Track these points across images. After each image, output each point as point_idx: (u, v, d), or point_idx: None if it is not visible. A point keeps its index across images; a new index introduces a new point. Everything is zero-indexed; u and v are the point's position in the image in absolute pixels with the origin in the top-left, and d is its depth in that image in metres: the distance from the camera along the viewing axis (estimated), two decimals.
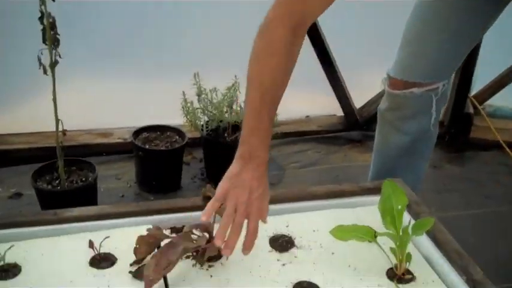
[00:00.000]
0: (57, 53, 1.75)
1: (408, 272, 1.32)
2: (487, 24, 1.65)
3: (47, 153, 2.12)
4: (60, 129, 1.86)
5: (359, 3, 2.82)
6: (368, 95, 3.15)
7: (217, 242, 1.24)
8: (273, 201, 1.51)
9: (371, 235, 1.29)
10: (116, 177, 2.48)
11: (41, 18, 1.70)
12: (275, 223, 1.46)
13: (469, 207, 2.45)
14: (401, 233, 1.28)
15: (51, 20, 1.72)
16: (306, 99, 3.11)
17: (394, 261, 1.32)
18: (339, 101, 3.04)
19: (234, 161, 1.33)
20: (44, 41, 1.74)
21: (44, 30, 1.73)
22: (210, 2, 2.55)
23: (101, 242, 1.32)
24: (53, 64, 1.76)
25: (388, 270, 1.33)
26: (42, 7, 1.68)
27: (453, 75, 1.79)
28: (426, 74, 1.70)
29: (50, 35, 1.73)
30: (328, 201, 1.57)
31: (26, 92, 2.52)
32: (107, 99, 2.64)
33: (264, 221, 1.32)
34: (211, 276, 1.29)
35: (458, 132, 3.04)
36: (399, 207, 1.31)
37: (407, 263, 1.31)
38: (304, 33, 1.33)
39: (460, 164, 2.87)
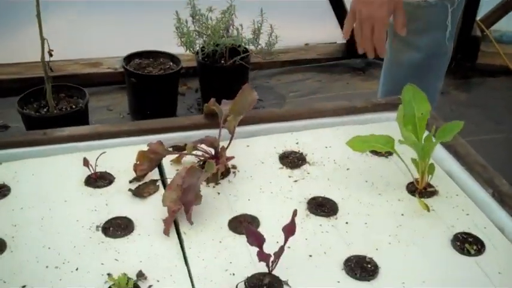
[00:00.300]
0: None
1: (430, 186, 1.24)
2: None
3: (35, 83, 2.00)
4: (46, 50, 1.73)
5: None
6: None
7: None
8: (280, 118, 1.44)
9: (391, 145, 1.20)
10: (108, 109, 2.38)
11: None
12: (284, 140, 1.37)
13: (480, 133, 2.37)
14: (423, 142, 1.18)
15: None
16: (305, 26, 3.00)
17: (415, 175, 1.23)
18: (340, 26, 2.91)
19: None
20: None
21: None
22: None
23: (97, 159, 1.22)
24: None
25: (408, 184, 1.25)
26: None
27: None
28: None
29: None
30: (339, 118, 1.47)
31: (10, 21, 2.38)
32: (96, 28, 2.51)
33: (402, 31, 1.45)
34: (218, 193, 1.20)
35: (464, 58, 2.93)
36: (421, 113, 1.21)
37: (430, 176, 1.22)
38: None
39: (467, 90, 2.78)
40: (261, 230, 1.02)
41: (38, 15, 1.65)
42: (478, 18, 3.01)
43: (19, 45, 2.41)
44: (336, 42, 3.05)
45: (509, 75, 2.83)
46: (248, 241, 0.96)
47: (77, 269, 1.00)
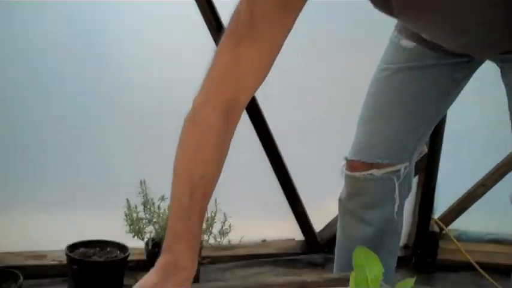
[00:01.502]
0: None
1: None
2: (445, 100, 1.64)
3: None
4: None
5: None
6: (327, 219, 3.11)
7: None
8: None
9: None
10: None
11: None
12: None
13: None
14: None
15: None
16: (262, 223, 3.02)
17: None
18: (299, 224, 2.95)
19: (152, 270, 1.08)
20: None
21: None
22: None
23: None
24: None
25: None
26: None
27: (415, 157, 1.72)
28: (384, 154, 1.65)
29: None
30: None
31: None
32: (44, 221, 2.49)
33: None
34: None
35: (424, 253, 2.94)
36: (374, 275, 1.17)
37: None
38: (238, 117, 1.18)
39: (431, 286, 2.73)
40: None
41: None
42: (436, 217, 3.09)
43: None
44: (294, 239, 3.05)
45: (472, 270, 2.82)
46: None
47: None
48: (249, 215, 2.81)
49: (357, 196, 1.70)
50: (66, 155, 2.45)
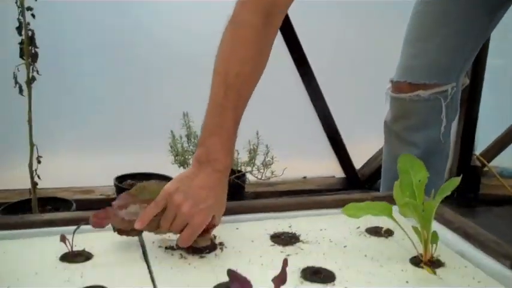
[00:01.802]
0: (35, 68, 1.67)
1: (436, 260, 1.16)
2: (493, 17, 1.61)
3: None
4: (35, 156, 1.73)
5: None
6: (367, 156, 3.12)
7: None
8: (277, 208, 1.41)
9: (389, 211, 1.15)
10: None
11: (18, 29, 1.63)
12: (274, 224, 1.33)
13: None
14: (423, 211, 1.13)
15: (30, 32, 1.66)
16: (303, 161, 3.04)
17: (420, 250, 1.16)
18: (339, 161, 2.97)
19: (192, 164, 1.18)
20: (21, 56, 1.67)
21: (21, 44, 1.66)
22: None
23: (74, 232, 1.16)
24: (30, 80, 1.68)
25: (411, 258, 1.18)
26: (21, 17, 1.62)
27: (462, 79, 1.70)
28: (431, 74, 1.63)
29: (28, 49, 1.66)
30: (337, 209, 1.41)
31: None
32: (89, 157, 2.55)
33: (207, 238, 1.16)
34: (202, 263, 1.13)
35: (467, 188, 2.92)
36: (419, 180, 1.18)
37: (434, 246, 1.15)
38: (278, 24, 1.19)
39: (473, 218, 2.73)
40: None
41: (30, 121, 1.68)
42: (477, 153, 3.07)
43: (9, 174, 2.42)
44: (334, 176, 3.06)
45: None
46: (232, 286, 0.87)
47: None
48: (290, 153, 2.83)
49: (403, 118, 1.69)
50: (111, 91, 2.50)
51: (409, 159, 1.21)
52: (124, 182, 2.23)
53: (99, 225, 1.17)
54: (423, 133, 1.69)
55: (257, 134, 2.31)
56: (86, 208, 2.37)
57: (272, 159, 2.26)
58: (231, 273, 0.88)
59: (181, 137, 2.18)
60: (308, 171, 3.07)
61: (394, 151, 1.74)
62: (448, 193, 1.12)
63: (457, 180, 1.13)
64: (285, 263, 0.90)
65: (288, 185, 2.88)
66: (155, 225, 1.16)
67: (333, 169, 3.10)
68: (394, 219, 1.14)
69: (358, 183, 2.94)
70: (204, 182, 1.14)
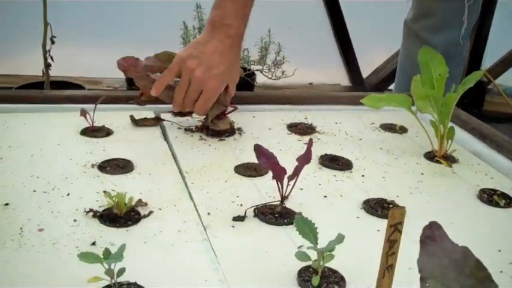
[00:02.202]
0: None
1: (450, 157, 1.18)
2: None
3: None
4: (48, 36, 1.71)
5: None
6: (374, 66, 3.12)
7: (175, 108, 1.18)
8: (293, 100, 1.42)
9: (408, 103, 1.15)
10: None
11: None
12: (292, 115, 1.34)
13: None
14: (442, 106, 1.14)
15: None
16: (310, 67, 3.03)
17: (435, 146, 1.18)
18: (347, 68, 2.96)
19: (205, 29, 1.19)
20: None
21: None
22: None
23: (95, 106, 1.17)
24: None
25: (426, 153, 1.20)
26: None
27: None
28: None
29: None
30: (352, 106, 1.43)
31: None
32: (98, 48, 2.54)
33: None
34: (222, 146, 1.15)
35: (471, 104, 2.93)
36: (439, 74, 1.18)
37: (449, 142, 1.17)
38: None
39: None
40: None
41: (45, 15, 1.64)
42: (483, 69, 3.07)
43: (21, 61, 2.41)
44: (339, 84, 3.07)
45: None
46: (260, 161, 0.89)
47: (68, 195, 0.92)
48: (298, 57, 2.82)
49: (424, 17, 1.66)
50: None
51: (430, 52, 1.20)
52: None
53: (125, 69, 1.17)
54: (443, 34, 1.66)
55: (269, 31, 2.27)
56: None
57: (283, 58, 2.24)
58: (257, 148, 0.90)
59: (194, 28, 2.15)
60: (314, 77, 3.07)
61: (411, 52, 1.72)
62: (471, 85, 1.13)
63: (479, 73, 1.13)
64: (310, 142, 0.91)
65: (294, 90, 2.87)
66: (171, 95, 1.16)
67: (339, 77, 3.11)
68: (412, 112, 1.15)
69: (364, 91, 2.94)
70: (216, 48, 1.15)
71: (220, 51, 1.15)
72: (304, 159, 0.91)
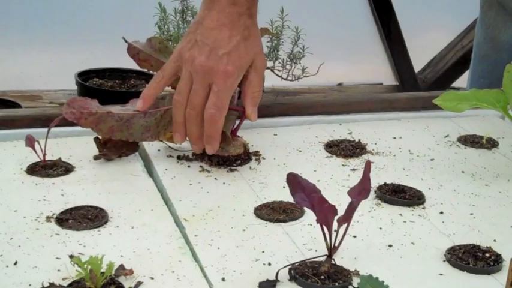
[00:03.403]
0: None
1: None
2: None
3: None
4: None
5: None
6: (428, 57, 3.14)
7: (176, 137, 1.15)
8: (330, 108, 1.43)
9: (504, 102, 1.14)
10: None
11: None
12: (328, 130, 1.36)
13: None
14: None
15: None
16: (338, 63, 3.05)
17: None
18: (393, 61, 3.00)
19: (201, 6, 1.20)
20: None
21: None
22: None
23: (49, 129, 1.16)
24: None
25: None
26: None
27: None
28: None
29: None
30: (414, 112, 1.46)
31: None
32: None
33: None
34: (234, 178, 1.15)
35: None
36: None
37: None
38: None
39: None
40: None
41: None
42: None
43: None
44: (381, 84, 3.09)
45: None
46: (296, 198, 0.88)
47: (15, 264, 0.91)
48: (322, 50, 2.83)
49: None
50: None
51: None
52: (90, 81, 2.23)
53: (77, 117, 1.14)
54: None
55: (282, 11, 2.26)
56: None
57: (303, 49, 2.21)
58: (292, 178, 0.89)
59: (175, 11, 2.14)
60: (344, 76, 3.09)
61: (492, 31, 1.72)
62: None
63: None
64: (368, 167, 0.90)
65: (316, 94, 2.88)
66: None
67: (379, 75, 3.13)
68: (510, 116, 1.14)
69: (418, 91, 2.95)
70: (217, 20, 1.14)
71: (223, 24, 1.14)
72: (360, 192, 0.90)
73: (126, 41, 1.23)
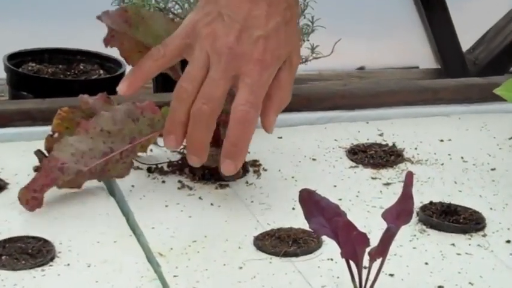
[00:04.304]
0: None
1: None
2: None
3: None
4: None
5: None
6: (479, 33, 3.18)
7: (168, 140, 1.07)
8: (353, 100, 1.45)
9: None
10: None
11: None
12: (351, 130, 1.38)
13: None
14: None
15: None
16: (359, 42, 3.09)
17: None
18: (434, 38, 3.03)
19: None
20: None
21: None
22: None
23: None
24: None
25: None
26: None
27: None
28: None
29: None
30: (464, 106, 1.49)
31: None
32: None
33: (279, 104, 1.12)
34: (226, 196, 1.16)
35: None
36: None
37: None
38: None
39: None
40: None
41: None
42: None
43: None
44: (417, 67, 3.12)
45: None
46: (312, 224, 0.88)
47: None
48: (334, 25, 2.87)
49: None
50: None
51: None
52: (24, 66, 2.25)
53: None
54: None
55: None
56: None
57: (312, 22, 2.24)
58: (306, 195, 0.90)
59: None
60: (367, 58, 3.12)
61: None
62: None
63: None
64: (410, 179, 0.91)
65: (332, 82, 2.90)
66: None
67: (413, 54, 3.16)
68: None
69: (466, 75, 2.98)
70: None
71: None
72: (399, 214, 0.91)
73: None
